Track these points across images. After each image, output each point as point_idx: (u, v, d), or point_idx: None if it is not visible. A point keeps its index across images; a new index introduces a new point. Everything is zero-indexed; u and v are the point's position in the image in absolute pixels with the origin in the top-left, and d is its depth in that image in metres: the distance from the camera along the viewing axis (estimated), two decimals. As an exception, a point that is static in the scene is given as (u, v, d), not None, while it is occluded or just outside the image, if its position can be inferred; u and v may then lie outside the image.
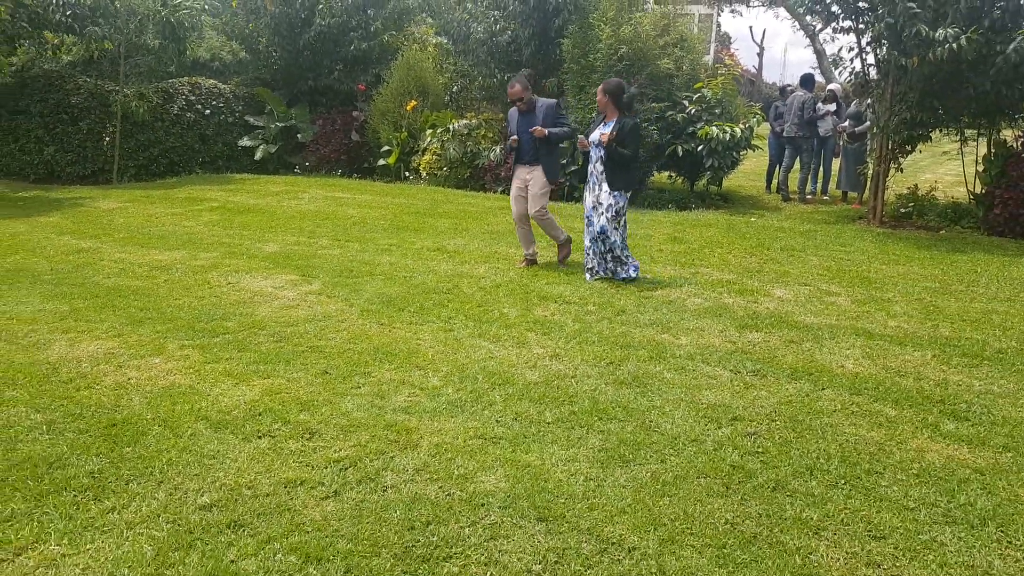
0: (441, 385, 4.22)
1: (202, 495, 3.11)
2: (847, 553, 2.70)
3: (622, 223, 6.35)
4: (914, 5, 7.87)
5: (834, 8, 9.18)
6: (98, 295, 5.98)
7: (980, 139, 9.24)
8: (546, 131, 6.62)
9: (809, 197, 11.81)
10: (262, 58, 14.72)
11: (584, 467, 3.31)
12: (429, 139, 12.82)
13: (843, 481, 3.17)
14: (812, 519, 2.90)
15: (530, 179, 6.85)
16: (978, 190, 9.21)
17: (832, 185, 12.45)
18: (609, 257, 6.40)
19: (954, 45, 7.57)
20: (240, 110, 14.80)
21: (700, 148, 10.51)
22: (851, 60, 9.87)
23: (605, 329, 5.20)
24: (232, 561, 2.70)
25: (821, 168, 12.19)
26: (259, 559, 2.71)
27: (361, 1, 14.13)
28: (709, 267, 7.04)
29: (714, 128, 10.36)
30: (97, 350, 4.74)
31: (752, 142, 10.87)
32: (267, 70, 15.03)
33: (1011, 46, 7.60)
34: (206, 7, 13.01)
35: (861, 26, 9.51)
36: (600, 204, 6.33)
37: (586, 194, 6.54)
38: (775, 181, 12.43)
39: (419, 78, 13.86)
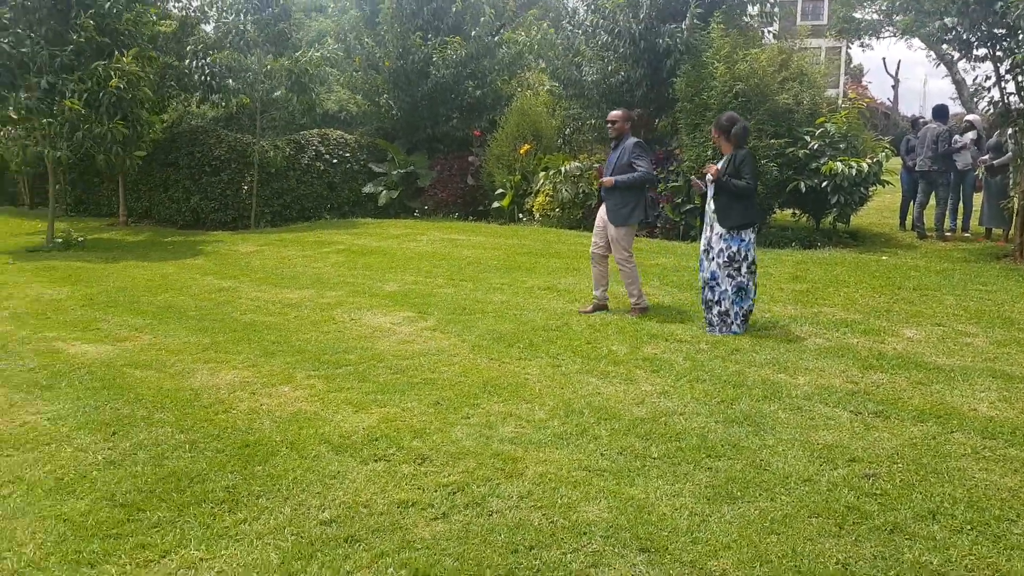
0: (547, 418, 4.30)
1: (323, 511, 3.31)
2: (971, 600, 2.54)
3: (742, 272, 5.81)
4: None
5: (967, 36, 8.76)
6: (236, 329, 6.46)
7: None
8: (613, 180, 6.44)
9: (948, 234, 11.15)
10: (383, 110, 15.56)
11: (689, 502, 3.28)
12: (542, 181, 13.09)
13: (969, 527, 2.99)
14: (932, 563, 2.75)
15: (607, 218, 6.64)
16: None
17: (974, 221, 11.70)
18: (715, 311, 5.92)
19: None
20: (364, 158, 15.65)
21: (824, 184, 10.18)
22: (989, 89, 9.35)
23: (717, 368, 5.13)
24: (348, 572, 2.86)
25: (961, 203, 11.49)
26: (372, 572, 2.86)
27: (474, 51, 14.70)
28: (833, 306, 6.80)
29: (839, 163, 10.03)
30: (234, 379, 5.13)
31: (882, 177, 10.43)
32: (388, 120, 15.86)
33: None
34: (326, 56, 13.92)
35: (999, 53, 9.03)
36: (711, 248, 5.97)
37: (701, 237, 6.23)
38: (909, 218, 11.82)
39: (532, 122, 14.23)
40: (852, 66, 51.57)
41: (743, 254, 5.84)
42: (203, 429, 4.23)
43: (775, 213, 11.66)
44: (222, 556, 2.99)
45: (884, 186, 10.63)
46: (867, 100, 11.66)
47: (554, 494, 3.40)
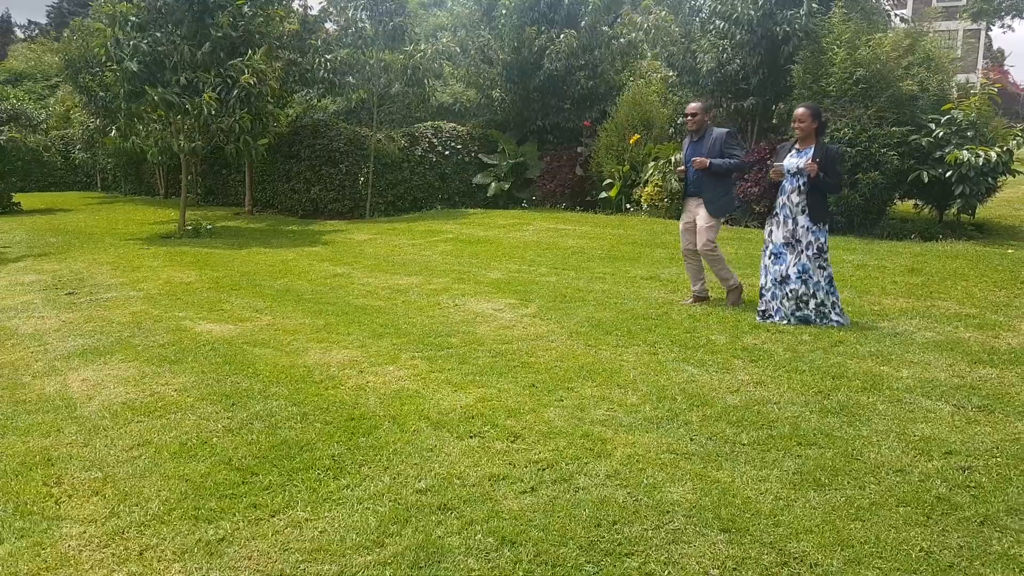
0: (639, 403, 4.37)
1: (419, 481, 3.54)
2: (1062, 596, 2.46)
3: (829, 262, 5.84)
4: None
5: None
6: (347, 312, 6.86)
7: None
8: (707, 161, 6.32)
9: (1087, 227, 10.34)
10: (495, 103, 15.85)
11: (775, 487, 3.29)
12: (651, 171, 13.01)
13: (1070, 524, 2.87)
14: (1021, 556, 2.67)
15: (698, 212, 6.56)
16: None
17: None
18: (811, 304, 5.78)
19: None
20: (475, 149, 16.03)
21: (949, 174, 9.67)
22: None
23: (818, 359, 5.04)
24: (439, 537, 3.06)
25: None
26: (462, 537, 3.05)
27: (586, 41, 14.72)
28: (948, 300, 6.49)
29: (965, 152, 9.49)
30: (344, 357, 5.48)
31: (1012, 167, 9.78)
32: (500, 112, 16.15)
33: None
34: (441, 50, 14.32)
35: None
36: (798, 241, 5.79)
37: (772, 229, 5.98)
38: (1043, 209, 11.03)
39: (643, 112, 14.15)
40: (993, 50, 47.97)
41: (827, 245, 5.83)
42: (313, 403, 4.56)
43: (895, 204, 11.13)
44: (325, 517, 3.25)
45: (1014, 176, 9.96)
46: (999, 85, 10.86)
47: (640, 474, 3.49)
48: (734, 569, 2.72)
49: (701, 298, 6.72)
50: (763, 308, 6.02)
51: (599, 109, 15.38)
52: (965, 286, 6.91)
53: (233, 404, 4.58)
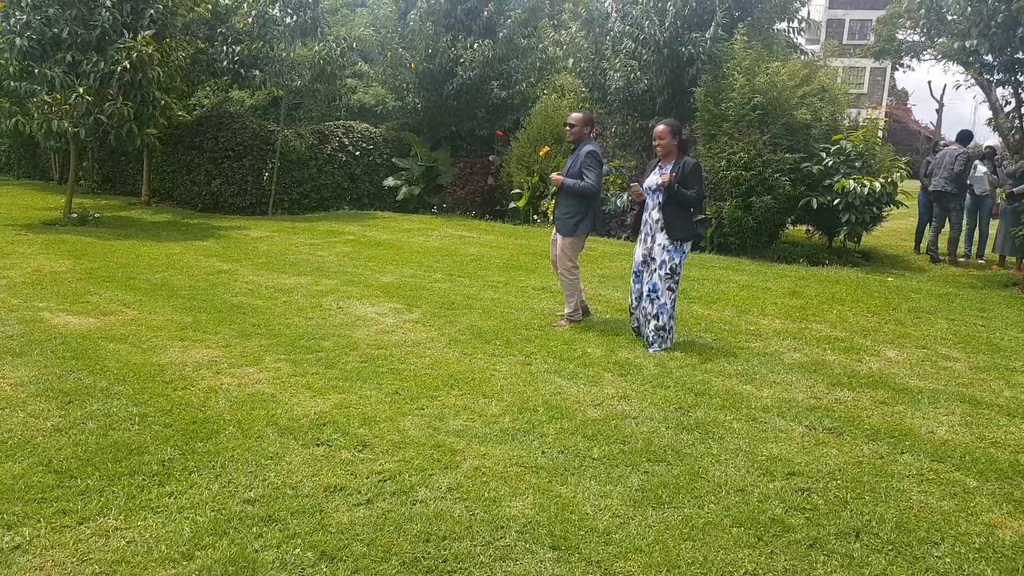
0: (500, 414, 4.26)
1: (250, 490, 3.32)
2: (868, 621, 2.45)
3: (677, 284, 5.61)
4: None
5: (988, 58, 8.55)
6: (221, 310, 6.52)
7: None
8: (561, 179, 6.19)
9: (962, 260, 10.88)
10: (409, 107, 15.65)
11: (615, 503, 3.22)
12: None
13: (890, 547, 2.89)
14: (842, 581, 2.66)
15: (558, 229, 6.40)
16: None
17: (989, 248, 11.41)
18: (652, 325, 5.56)
19: None
20: (388, 152, 15.74)
21: (836, 202, 10.02)
22: (1009, 115, 9.12)
23: (686, 376, 5.04)
24: (255, 551, 2.86)
25: (977, 229, 11.22)
26: (279, 551, 2.85)
27: (503, 52, 14.71)
28: (822, 323, 6.66)
29: (851, 181, 9.85)
30: (203, 357, 5.17)
31: (896, 198, 10.22)
32: (414, 116, 15.94)
33: None
34: (355, 47, 14.02)
35: (1021, 78, 8.80)
36: (653, 259, 5.62)
37: (637, 247, 5.83)
38: (925, 241, 11.57)
39: (555, 125, 14.20)
40: (898, 89, 50.73)
41: (681, 266, 5.63)
42: (157, 404, 4.26)
43: (787, 228, 11.48)
44: (138, 527, 3.00)
45: (898, 207, 10.41)
46: (893, 121, 11.35)
47: (483, 488, 3.36)
48: (554, 589, 2.62)
49: (583, 312, 6.57)
50: (635, 325, 5.91)
51: (513, 119, 15.36)
52: (840, 310, 7.12)
53: (70, 402, 4.25)
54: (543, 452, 3.74)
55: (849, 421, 4.23)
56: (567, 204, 6.26)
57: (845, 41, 41.10)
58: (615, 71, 12.53)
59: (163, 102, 11.04)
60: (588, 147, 6.25)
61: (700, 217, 5.89)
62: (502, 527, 3.02)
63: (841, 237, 10.71)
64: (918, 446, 3.89)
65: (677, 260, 5.56)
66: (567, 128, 6.43)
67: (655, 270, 5.61)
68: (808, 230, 11.52)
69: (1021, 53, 8.39)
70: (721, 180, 10.60)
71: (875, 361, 5.49)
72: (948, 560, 2.83)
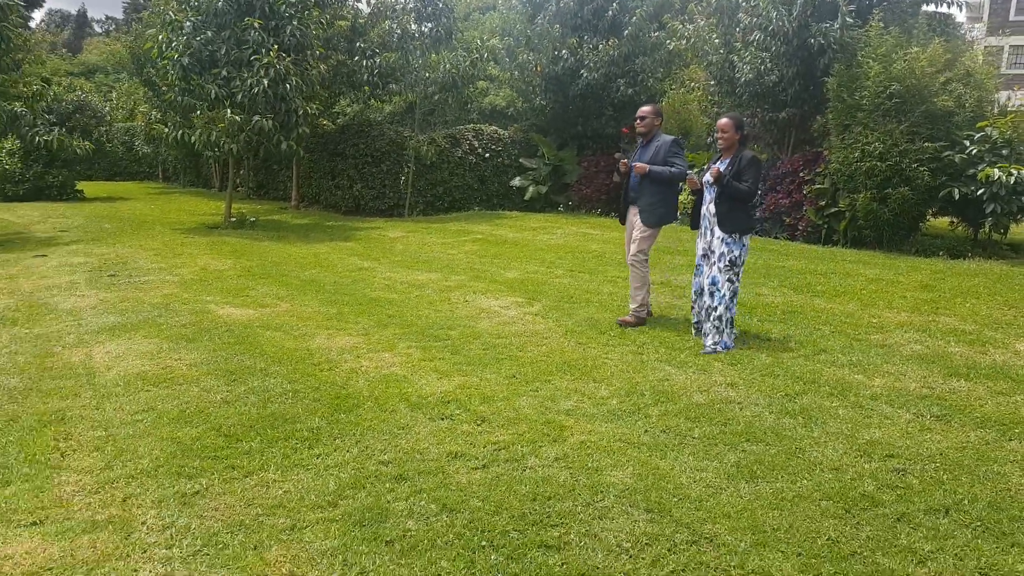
0: (608, 396, 4.56)
1: (384, 454, 3.80)
2: (941, 584, 2.57)
3: (739, 276, 5.55)
4: None
5: None
6: (361, 303, 7.18)
7: None
8: (647, 167, 6.04)
9: (1126, 251, 10.03)
10: (536, 108, 16.11)
11: (710, 476, 3.45)
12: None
13: (979, 523, 2.96)
14: (924, 550, 2.79)
15: (636, 221, 6.32)
16: None
17: None
18: (712, 316, 5.53)
19: None
20: (516, 153, 16.31)
21: (980, 192, 9.52)
22: None
23: (796, 366, 5.13)
24: (388, 501, 3.32)
25: None
26: (408, 503, 3.30)
27: (629, 50, 14.84)
28: (951, 316, 6.47)
29: (996, 170, 9.33)
30: (346, 344, 5.79)
31: (1048, 186, 9.56)
32: (541, 118, 16.39)
33: None
34: (484, 55, 14.61)
35: None
36: (712, 252, 5.61)
37: (698, 241, 5.83)
38: (1084, 232, 10.74)
39: (682, 120, 14.24)
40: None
41: (742, 259, 5.56)
42: (307, 382, 4.87)
43: (928, 220, 10.98)
44: (291, 480, 3.54)
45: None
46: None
47: (587, 459, 3.68)
48: (645, 544, 2.90)
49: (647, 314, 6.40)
50: (696, 320, 5.89)
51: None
52: (974, 304, 6.86)
53: (234, 379, 4.93)
54: (646, 431, 4.01)
55: (960, 409, 4.21)
56: (654, 192, 6.15)
57: (1012, 17, 37.83)
58: (744, 63, 12.39)
59: (303, 111, 12.05)
60: (669, 137, 6.25)
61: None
62: (602, 492, 3.33)
63: (986, 229, 10.14)
64: (1028, 434, 3.84)
65: (736, 252, 5.51)
66: (637, 121, 6.30)
67: (714, 263, 5.59)
68: (951, 222, 10.96)
69: None
70: (855, 171, 10.31)
71: (1001, 353, 5.33)
72: (1036, 537, 2.87)
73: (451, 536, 3.03)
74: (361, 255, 10.22)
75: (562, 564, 2.81)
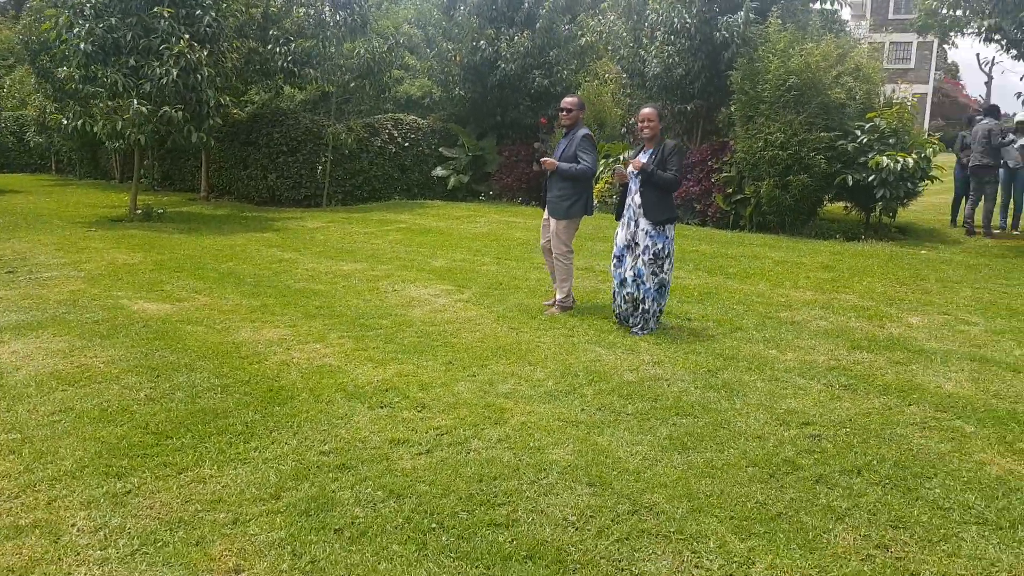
0: (544, 378, 4.70)
1: (324, 444, 3.81)
2: (861, 536, 2.84)
3: (664, 268, 5.60)
4: None
5: (1017, 34, 8.61)
6: (286, 295, 7.08)
7: None
8: (555, 163, 6.15)
9: (996, 232, 10.92)
10: (456, 98, 16.11)
11: (646, 449, 3.64)
12: (602, 168, 13.39)
13: (888, 481, 3.26)
14: (841, 507, 3.05)
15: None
16: None
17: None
18: (639, 309, 5.64)
19: None
20: (436, 143, 16.28)
21: (871, 178, 10.16)
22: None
23: (716, 343, 5.41)
24: (333, 491, 3.34)
25: (1011, 201, 11.22)
26: (354, 491, 3.33)
27: (543, 42, 15.06)
28: (851, 294, 6.93)
29: (884, 158, 9.99)
30: (274, 336, 5.71)
31: (930, 173, 10.31)
32: (461, 107, 16.41)
33: None
34: (402, 42, 14.52)
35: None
36: (636, 244, 5.64)
37: (619, 230, 5.83)
38: (961, 215, 11.61)
39: (597, 111, 14.53)
40: (948, 63, 49.39)
41: (667, 250, 5.60)
42: (236, 376, 4.80)
43: (825, 205, 11.63)
44: (229, 475, 3.51)
45: (933, 181, 10.50)
46: (911, 100, 11.32)
47: (529, 439, 3.81)
48: (590, 516, 3.05)
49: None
50: (617, 311, 5.92)
51: (556, 107, 15.69)
52: (870, 282, 7.37)
53: (158, 376, 4.80)
54: (583, 409, 4.17)
55: (864, 379, 4.57)
56: (561, 187, 6.23)
57: (891, 16, 40.03)
58: (652, 58, 12.78)
59: (215, 102, 11.66)
60: (583, 131, 6.27)
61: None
62: (545, 469, 3.46)
63: (877, 212, 10.84)
64: (925, 399, 4.23)
65: (660, 245, 5.56)
66: (563, 113, 6.34)
67: (639, 255, 5.62)
68: (846, 207, 11.66)
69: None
70: (759, 160, 10.82)
71: (896, 327, 5.77)
72: (938, 491, 3.19)
73: (400, 520, 3.09)
74: (280, 246, 10.03)
75: (512, 540, 2.92)
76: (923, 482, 3.26)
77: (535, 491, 3.28)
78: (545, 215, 6.49)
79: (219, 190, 16.24)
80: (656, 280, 5.61)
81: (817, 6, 12.44)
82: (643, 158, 5.64)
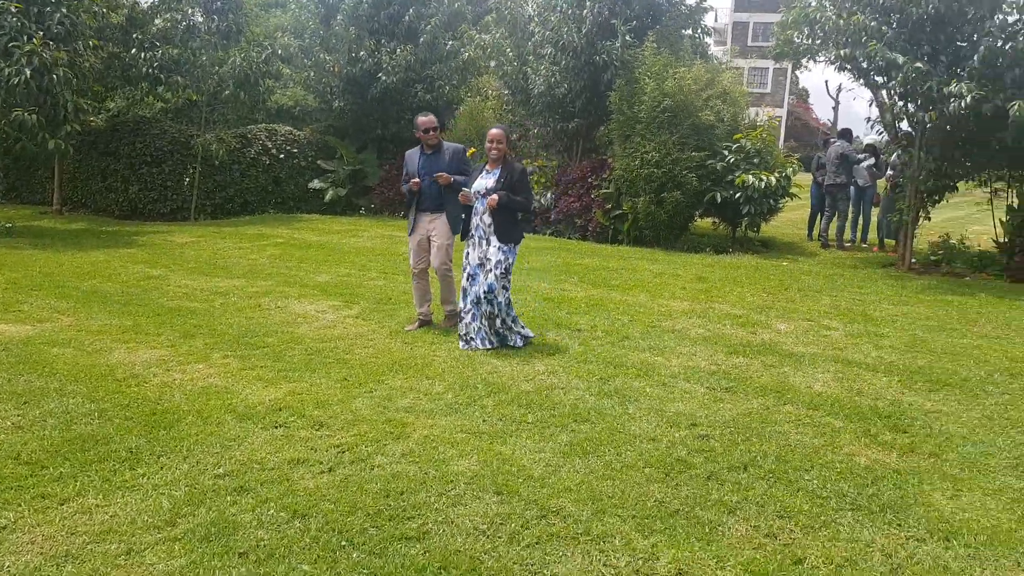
0: (443, 391, 4.71)
1: (219, 467, 3.66)
2: (752, 526, 3.06)
3: (510, 283, 5.78)
4: (921, 65, 8.11)
5: (864, 64, 9.48)
6: (160, 314, 6.72)
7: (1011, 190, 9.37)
8: (452, 178, 6.01)
9: (847, 245, 11.94)
10: (334, 111, 15.84)
11: (548, 456, 3.73)
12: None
13: (771, 475, 3.53)
14: (732, 501, 3.27)
15: (432, 229, 6.25)
16: (1003, 239, 9.29)
17: (872, 234, 12.55)
18: (498, 323, 5.70)
19: (963, 102, 7.77)
20: (313, 155, 15.88)
21: (738, 195, 10.84)
22: (879, 116, 10.18)
23: (606, 352, 5.61)
24: (233, 514, 3.22)
25: (861, 217, 12.32)
26: (255, 513, 3.23)
27: (425, 56, 15.09)
28: (724, 303, 7.36)
29: (750, 176, 10.70)
30: (151, 357, 5.42)
31: (790, 191, 11.13)
32: (340, 119, 16.13)
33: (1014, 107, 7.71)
34: (275, 53, 14.15)
35: (892, 82, 9.73)
36: (488, 260, 5.65)
37: (468, 250, 5.80)
38: (816, 229, 12.61)
39: (480, 127, 14.69)
40: (799, 88, 53.50)
41: (512, 266, 5.74)
42: (113, 400, 4.52)
43: (696, 220, 12.30)
44: (117, 503, 3.31)
45: (792, 199, 11.35)
46: (773, 123, 12.25)
47: (433, 452, 3.81)
48: (500, 524, 3.10)
49: (425, 322, 6.43)
50: (463, 332, 5.78)
51: (438, 122, 15.74)
52: (740, 292, 7.87)
53: (25, 402, 4.45)
54: (484, 420, 4.22)
55: (742, 381, 4.90)
56: (456, 204, 6.04)
57: (750, 43, 42.91)
58: (537, 75, 13.09)
59: (73, 106, 10.91)
60: (456, 145, 6.34)
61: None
62: (452, 481, 3.48)
63: (743, 227, 11.59)
64: (797, 398, 4.61)
65: (511, 260, 5.67)
66: (429, 133, 6.21)
67: (490, 270, 5.63)
68: (714, 222, 12.37)
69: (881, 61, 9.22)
70: (636, 177, 11.31)
71: (767, 333, 6.21)
72: (816, 482, 3.50)
73: (307, 540, 3.02)
74: (147, 262, 9.49)
75: (424, 552, 2.92)
76: (802, 474, 3.55)
77: (443, 503, 3.29)
78: (418, 237, 6.31)
79: (73, 203, 15.15)
80: (506, 296, 5.70)
81: (688, 31, 13.18)
82: (490, 179, 5.63)
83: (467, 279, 5.79)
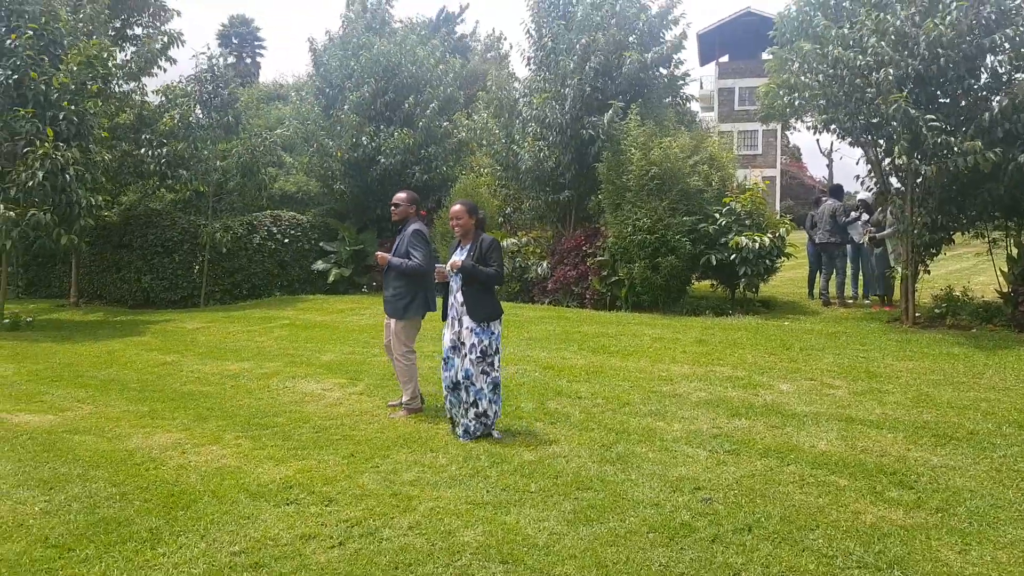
0: (447, 464, 4.83)
1: (234, 545, 3.77)
2: (754, 586, 3.13)
3: (495, 366, 5.34)
4: (933, 118, 8.40)
5: (848, 124, 9.83)
6: (174, 398, 6.89)
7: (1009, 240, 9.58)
8: (388, 258, 5.93)
9: (849, 301, 12.09)
10: (336, 193, 16.37)
11: (552, 524, 3.83)
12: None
13: (776, 535, 3.61)
14: (737, 563, 3.35)
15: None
16: (1005, 289, 9.43)
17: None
18: (472, 413, 5.30)
19: (979, 157, 8.03)
20: (316, 237, 16.34)
21: (732, 257, 11.07)
22: (869, 172, 10.47)
23: (607, 419, 5.73)
24: (248, 591, 3.33)
25: (861, 273, 12.50)
26: (270, 590, 3.33)
27: (422, 139, 15.73)
28: (725, 365, 7.50)
29: (743, 238, 10.95)
30: (167, 440, 5.57)
31: (785, 250, 11.36)
32: (341, 202, 16.65)
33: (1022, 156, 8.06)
34: (277, 142, 14.75)
35: (880, 140, 10.07)
36: (463, 344, 5.37)
37: (444, 331, 5.56)
38: (817, 287, 12.79)
39: (475, 202, 15.14)
40: (791, 147, 54.59)
41: (494, 347, 5.35)
42: (134, 483, 4.66)
43: (693, 284, 12.51)
44: (141, 582, 3.43)
45: (788, 258, 11.57)
46: (763, 183, 12.60)
47: (439, 523, 3.92)
48: (506, 591, 3.20)
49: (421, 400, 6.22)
50: (450, 417, 5.58)
51: (435, 199, 16.30)
52: (741, 353, 8.00)
53: (51, 488, 4.60)
54: (487, 491, 4.33)
55: (745, 443, 5.00)
56: (396, 285, 5.97)
57: (736, 107, 43.94)
58: (525, 152, 13.58)
59: (87, 202, 11.33)
60: (414, 226, 6.01)
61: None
62: (458, 552, 3.59)
63: (741, 288, 11.78)
64: (801, 458, 4.69)
65: (487, 342, 5.31)
66: (392, 208, 6.17)
67: (466, 355, 5.35)
68: (712, 284, 12.58)
69: (874, 118, 9.57)
70: (629, 244, 11.58)
71: (769, 393, 6.32)
72: (821, 541, 3.58)
73: (321, 613, 3.12)
74: (161, 349, 9.71)
75: (433, 621, 3.02)
76: (807, 534, 3.63)
77: (451, 573, 3.39)
78: (387, 316, 6.18)
79: (89, 295, 15.52)
80: (489, 380, 5.33)
81: (669, 100, 13.68)
82: (461, 255, 5.42)
83: (443, 363, 5.54)
